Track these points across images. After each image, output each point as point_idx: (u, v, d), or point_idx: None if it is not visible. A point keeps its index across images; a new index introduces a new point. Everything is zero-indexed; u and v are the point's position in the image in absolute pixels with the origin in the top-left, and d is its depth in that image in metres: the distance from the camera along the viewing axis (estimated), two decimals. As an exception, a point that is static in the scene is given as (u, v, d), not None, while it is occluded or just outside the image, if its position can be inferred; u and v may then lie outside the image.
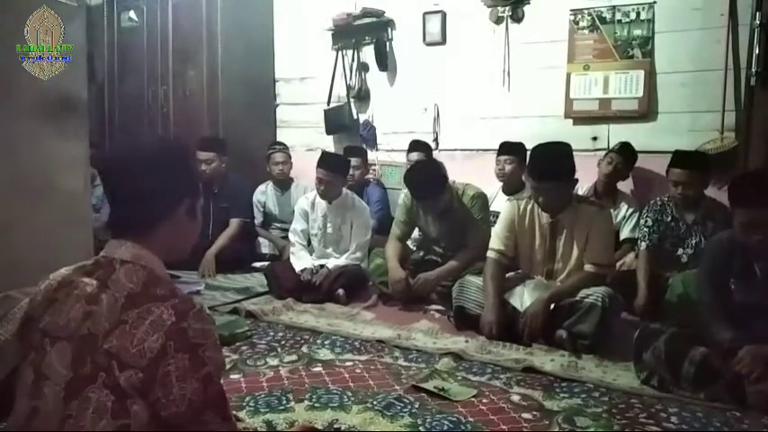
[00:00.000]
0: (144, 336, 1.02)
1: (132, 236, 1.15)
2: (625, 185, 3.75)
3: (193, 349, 1.04)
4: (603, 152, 3.67)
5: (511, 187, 3.84)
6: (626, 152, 3.59)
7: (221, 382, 1.11)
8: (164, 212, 1.17)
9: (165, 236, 1.18)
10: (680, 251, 3.13)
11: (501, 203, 3.55)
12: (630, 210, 3.55)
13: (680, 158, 3.12)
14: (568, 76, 3.93)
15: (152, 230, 1.16)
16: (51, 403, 1.04)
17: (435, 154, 4.20)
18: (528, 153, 3.02)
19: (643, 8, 3.70)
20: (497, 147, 3.87)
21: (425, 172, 3.25)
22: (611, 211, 3.31)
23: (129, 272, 1.10)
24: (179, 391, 1.02)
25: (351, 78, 4.70)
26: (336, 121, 4.69)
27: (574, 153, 2.80)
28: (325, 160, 3.61)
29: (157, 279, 1.12)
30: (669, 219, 3.15)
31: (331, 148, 4.71)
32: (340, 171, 3.62)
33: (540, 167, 2.70)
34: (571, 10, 3.90)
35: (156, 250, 1.16)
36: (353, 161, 4.17)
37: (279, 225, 4.43)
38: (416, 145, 4.13)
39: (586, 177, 3.61)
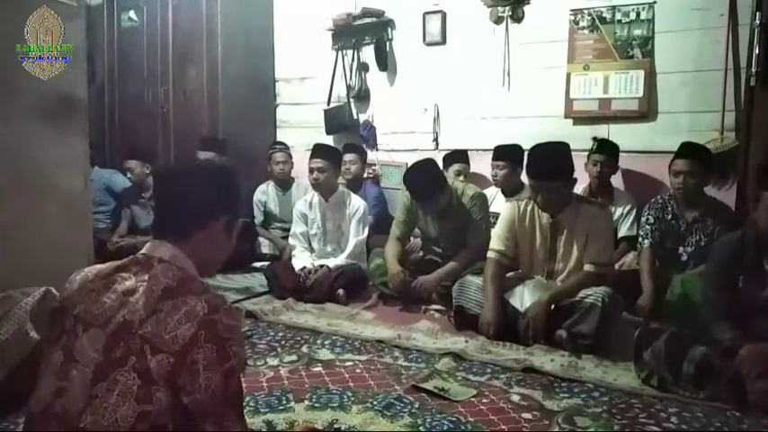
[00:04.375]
0: (177, 324, 1.09)
1: (172, 238, 1.25)
2: (625, 184, 3.75)
3: (221, 342, 1.10)
4: (599, 154, 3.64)
5: (509, 189, 3.83)
6: (606, 149, 3.59)
7: (241, 381, 1.16)
8: (202, 223, 1.28)
9: (201, 245, 1.27)
10: (680, 249, 3.14)
11: (501, 204, 3.56)
12: (627, 207, 3.56)
13: (684, 149, 3.16)
14: (568, 76, 3.93)
15: (190, 237, 1.26)
16: (78, 384, 1.09)
17: (435, 154, 4.19)
18: (526, 153, 3.02)
19: (643, 8, 3.70)
20: (492, 150, 3.88)
21: (425, 172, 3.25)
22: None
23: (166, 269, 1.18)
24: (204, 380, 1.08)
25: (351, 78, 4.70)
26: (336, 121, 4.69)
27: (574, 153, 2.80)
28: (318, 150, 3.68)
29: (192, 278, 1.21)
30: (670, 217, 3.16)
31: (331, 148, 4.71)
32: (332, 160, 3.63)
33: (538, 167, 2.71)
34: (571, 10, 3.90)
35: (191, 256, 1.25)
36: (350, 156, 4.19)
37: (279, 225, 4.43)
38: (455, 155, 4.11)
39: (586, 177, 3.61)
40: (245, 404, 2.00)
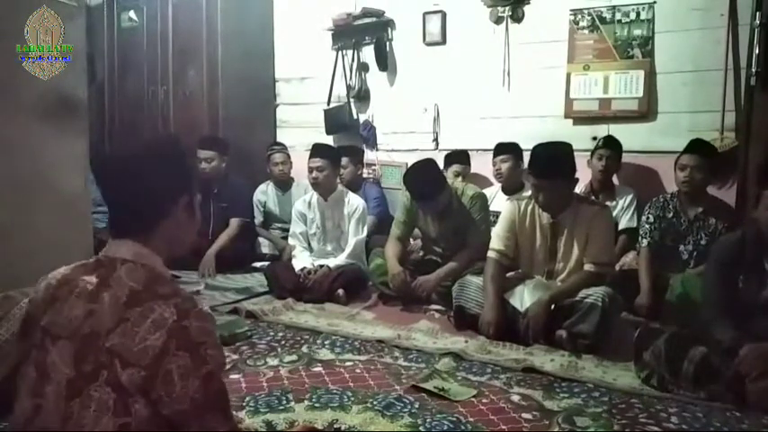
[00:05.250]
0: (146, 334, 1.03)
1: (132, 235, 1.16)
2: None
3: (195, 348, 1.05)
4: (605, 149, 3.64)
5: (510, 187, 3.84)
6: (612, 144, 3.60)
7: (222, 381, 1.11)
8: (162, 211, 1.18)
9: (166, 234, 1.19)
10: (681, 248, 3.15)
11: (501, 203, 3.56)
12: (628, 199, 3.57)
13: (692, 145, 3.20)
14: (568, 76, 3.93)
15: (152, 229, 1.17)
16: (53, 401, 1.05)
17: (435, 154, 4.19)
18: (525, 152, 3.02)
19: (643, 8, 3.70)
20: (492, 148, 3.88)
21: (425, 172, 3.25)
22: (611, 204, 3.34)
23: (131, 270, 1.11)
24: (181, 390, 1.02)
25: (351, 78, 4.70)
26: (336, 121, 4.69)
27: (575, 153, 2.80)
28: (317, 149, 3.68)
29: (159, 277, 1.13)
30: (671, 215, 3.17)
31: (330, 148, 4.71)
32: (331, 159, 3.63)
33: (541, 165, 2.71)
34: (571, 10, 3.90)
35: (157, 249, 1.18)
36: (342, 160, 4.18)
37: (279, 225, 4.43)
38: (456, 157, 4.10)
39: (586, 177, 3.61)
40: (244, 404, 2.02)
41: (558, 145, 2.80)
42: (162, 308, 1.05)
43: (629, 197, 3.57)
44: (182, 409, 1.03)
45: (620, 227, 3.51)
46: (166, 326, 1.03)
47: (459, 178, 3.83)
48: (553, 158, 2.71)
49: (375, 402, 2.06)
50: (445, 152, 4.21)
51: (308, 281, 3.40)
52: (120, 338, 1.03)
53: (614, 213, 3.37)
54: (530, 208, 2.85)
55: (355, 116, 4.74)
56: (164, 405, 1.02)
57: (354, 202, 3.68)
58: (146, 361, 1.02)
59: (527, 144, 3.35)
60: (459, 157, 4.08)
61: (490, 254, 2.88)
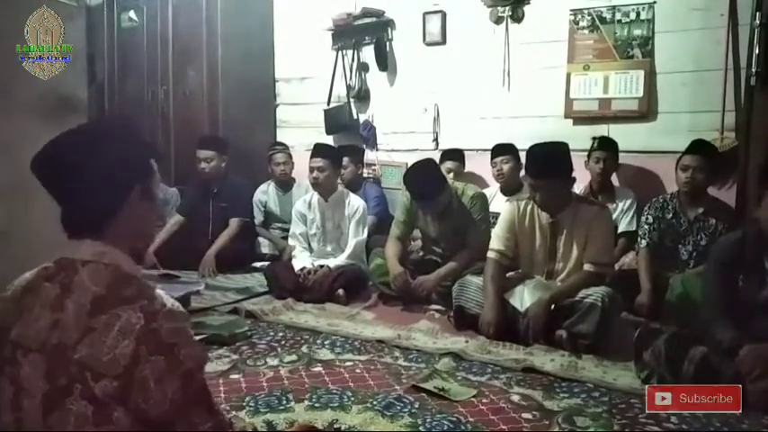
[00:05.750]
0: (114, 343, 0.98)
1: (88, 233, 1.09)
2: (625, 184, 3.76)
3: (168, 349, 1.01)
4: (601, 151, 3.64)
5: (509, 188, 3.84)
6: (607, 145, 3.60)
7: (203, 377, 1.09)
8: (115, 204, 1.10)
9: (124, 227, 1.11)
10: (680, 248, 3.15)
11: (499, 204, 3.56)
12: (628, 202, 3.57)
13: (694, 145, 3.20)
14: (568, 76, 3.93)
15: (107, 225, 1.10)
16: (31, 416, 1.02)
17: (435, 154, 4.19)
18: (524, 152, 3.02)
19: (643, 8, 3.70)
20: (490, 149, 3.88)
21: (425, 172, 3.25)
22: (611, 206, 3.33)
23: (92, 273, 1.05)
24: (159, 394, 0.99)
25: (351, 78, 4.70)
26: (336, 121, 4.69)
27: (574, 153, 2.81)
28: (318, 149, 3.67)
29: (123, 278, 1.06)
30: (670, 216, 3.17)
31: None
32: (332, 160, 3.63)
33: (537, 165, 2.72)
34: (571, 10, 3.90)
35: (117, 243, 1.10)
36: (342, 160, 4.18)
37: (279, 225, 4.43)
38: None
39: (586, 177, 3.61)
40: (244, 404, 2.02)
41: (554, 145, 2.80)
42: (128, 313, 1.00)
43: (629, 201, 3.57)
44: (163, 412, 1.00)
45: (620, 230, 3.51)
46: (135, 332, 0.99)
47: (451, 175, 3.83)
48: (549, 158, 2.71)
49: (375, 402, 2.06)
50: (442, 152, 4.21)
51: (308, 281, 3.40)
52: (88, 350, 0.99)
53: (614, 216, 3.38)
54: (529, 208, 2.85)
55: (355, 116, 4.74)
56: (143, 411, 1.00)
57: (355, 203, 3.67)
58: (117, 371, 0.98)
59: (527, 144, 3.35)
60: (453, 155, 4.08)
61: (490, 254, 2.89)
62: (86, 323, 1.00)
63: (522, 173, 3.75)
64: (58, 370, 1.00)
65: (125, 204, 1.11)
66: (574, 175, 2.79)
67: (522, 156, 3.67)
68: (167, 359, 1.00)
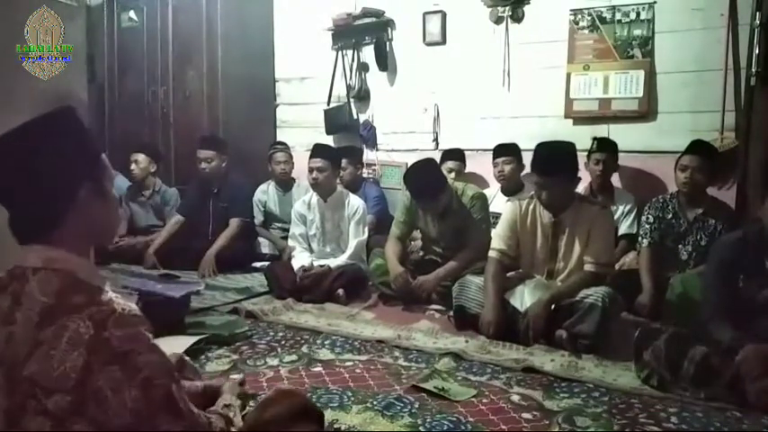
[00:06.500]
0: (63, 356, 0.93)
1: (39, 239, 1.03)
2: (625, 184, 3.76)
3: (122, 358, 0.95)
4: (600, 152, 3.64)
5: (510, 188, 3.84)
6: (606, 146, 3.60)
7: (168, 381, 1.03)
8: (62, 205, 1.03)
9: (76, 227, 1.05)
10: (680, 248, 3.15)
11: (500, 205, 3.56)
12: (628, 206, 3.57)
13: (694, 145, 3.20)
14: (568, 76, 3.93)
15: (57, 228, 1.03)
16: None
17: (435, 154, 4.19)
18: (526, 152, 3.02)
19: (643, 8, 3.70)
20: (492, 149, 3.88)
21: (425, 172, 3.25)
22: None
23: (42, 282, 0.99)
24: (117, 404, 0.95)
25: (351, 78, 4.70)
26: (336, 121, 4.69)
27: (577, 152, 2.81)
28: (318, 149, 3.67)
29: (73, 284, 1.00)
30: (670, 216, 3.17)
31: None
32: (332, 160, 3.63)
33: (544, 163, 2.72)
34: (571, 10, 3.90)
35: (70, 246, 1.04)
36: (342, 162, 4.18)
37: (279, 225, 4.43)
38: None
39: (586, 177, 3.61)
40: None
41: (561, 144, 2.81)
42: (76, 323, 0.95)
43: (630, 204, 3.57)
44: (125, 422, 0.95)
45: (620, 232, 3.51)
46: (84, 343, 0.93)
47: (452, 174, 3.83)
48: (556, 157, 2.72)
49: (375, 402, 2.06)
50: (443, 152, 4.21)
51: (307, 279, 3.39)
52: (38, 365, 0.94)
53: (614, 218, 3.38)
54: (531, 208, 2.85)
55: (355, 116, 4.75)
56: (104, 422, 0.94)
57: (355, 203, 3.67)
58: (69, 385, 0.93)
59: (527, 144, 3.35)
60: (454, 155, 4.08)
61: (491, 253, 2.89)
62: (35, 336, 0.95)
63: (524, 173, 3.75)
64: (13, 387, 0.96)
65: (74, 204, 1.04)
66: (578, 175, 2.79)
67: (524, 156, 3.68)
68: (122, 368, 0.95)
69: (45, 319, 0.96)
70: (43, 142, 1.03)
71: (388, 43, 4.58)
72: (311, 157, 3.62)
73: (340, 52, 4.73)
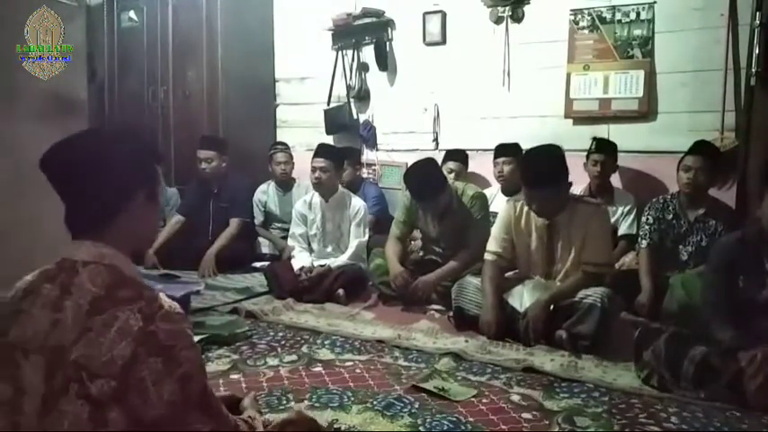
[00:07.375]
0: (112, 344, 0.99)
1: (91, 234, 1.11)
2: (624, 185, 3.76)
3: (166, 351, 1.02)
4: (599, 153, 3.63)
5: (510, 188, 3.83)
6: (604, 147, 3.60)
7: (203, 379, 1.09)
8: (119, 206, 1.13)
9: (125, 229, 1.13)
10: (680, 249, 3.15)
11: (501, 204, 3.55)
12: (628, 206, 3.57)
13: (696, 146, 3.20)
14: (568, 76, 3.93)
15: (110, 226, 1.12)
16: (32, 418, 1.01)
17: (435, 154, 4.19)
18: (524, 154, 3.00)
19: (643, 8, 3.70)
20: (493, 149, 3.87)
21: (425, 172, 3.25)
22: (609, 208, 3.32)
23: (92, 274, 1.06)
24: (156, 395, 1.00)
25: (351, 78, 4.70)
26: (336, 121, 4.70)
27: (574, 153, 2.82)
28: (321, 149, 3.67)
29: (122, 279, 1.08)
30: (671, 216, 3.17)
31: (331, 148, 4.71)
32: (335, 160, 3.63)
33: (532, 174, 2.68)
34: (571, 10, 3.90)
35: (118, 245, 1.12)
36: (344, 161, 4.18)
37: (279, 225, 4.43)
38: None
39: (585, 177, 3.61)
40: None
41: (547, 151, 2.73)
42: (126, 314, 1.01)
43: (630, 205, 3.57)
44: (159, 414, 1.00)
45: (620, 233, 3.51)
46: (133, 333, 1.00)
47: (453, 175, 3.83)
48: (543, 167, 2.66)
49: (375, 402, 2.06)
50: (445, 152, 4.21)
51: (307, 278, 3.39)
52: (85, 349, 0.99)
53: (613, 219, 3.38)
54: (525, 209, 2.84)
55: (355, 116, 4.75)
56: (140, 412, 0.99)
57: (356, 204, 3.67)
58: (115, 371, 0.98)
59: (528, 144, 3.35)
60: (456, 155, 4.07)
61: (487, 256, 2.88)
62: (84, 323, 1.01)
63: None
64: (55, 371, 1.00)
65: (128, 207, 1.13)
66: (570, 179, 2.74)
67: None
68: (165, 361, 1.01)
69: (95, 308, 1.02)
70: (113, 148, 1.15)
71: (388, 43, 4.58)
72: (314, 156, 3.61)
73: (340, 52, 4.74)
